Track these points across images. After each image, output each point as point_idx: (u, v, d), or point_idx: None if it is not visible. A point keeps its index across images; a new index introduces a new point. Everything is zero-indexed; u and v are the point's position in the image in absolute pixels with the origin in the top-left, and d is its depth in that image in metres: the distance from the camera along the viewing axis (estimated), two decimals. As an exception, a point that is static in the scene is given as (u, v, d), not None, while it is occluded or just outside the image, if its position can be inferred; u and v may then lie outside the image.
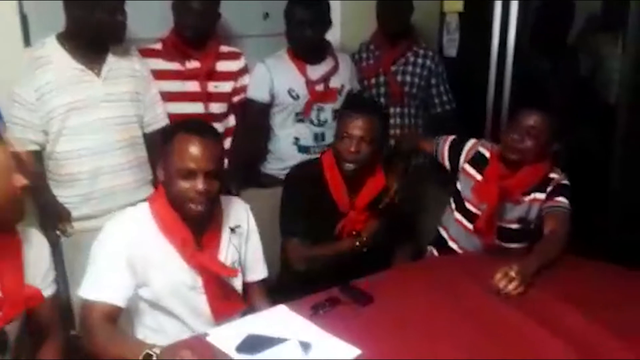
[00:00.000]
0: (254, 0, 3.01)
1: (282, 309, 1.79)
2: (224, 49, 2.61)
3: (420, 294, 1.91)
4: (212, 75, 2.54)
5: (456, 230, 2.38)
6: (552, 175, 2.27)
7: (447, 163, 2.44)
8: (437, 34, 3.29)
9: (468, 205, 2.34)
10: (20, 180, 1.57)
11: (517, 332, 1.68)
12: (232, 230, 1.91)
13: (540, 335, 1.65)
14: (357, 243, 2.21)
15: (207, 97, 2.52)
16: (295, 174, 2.38)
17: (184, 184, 1.73)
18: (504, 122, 3.04)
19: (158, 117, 2.40)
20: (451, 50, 3.23)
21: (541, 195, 2.25)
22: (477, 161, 2.36)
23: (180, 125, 1.85)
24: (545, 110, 2.23)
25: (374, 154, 2.24)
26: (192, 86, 2.50)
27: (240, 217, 1.97)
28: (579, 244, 2.18)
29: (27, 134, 2.14)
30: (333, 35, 2.99)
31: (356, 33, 3.11)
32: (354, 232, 2.26)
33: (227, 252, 1.89)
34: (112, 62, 2.23)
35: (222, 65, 2.57)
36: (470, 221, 2.31)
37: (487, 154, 2.35)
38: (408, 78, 2.96)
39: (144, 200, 2.10)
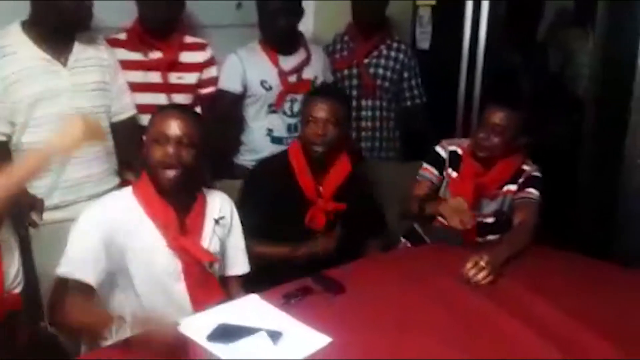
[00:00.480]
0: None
1: (253, 298, 1.78)
2: (189, 39, 2.56)
3: (392, 284, 1.92)
4: (175, 66, 2.49)
5: (432, 226, 2.38)
6: (525, 167, 2.32)
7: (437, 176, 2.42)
8: (410, 26, 3.29)
9: None
10: None
11: (489, 321, 1.69)
12: (217, 221, 1.92)
13: (512, 324, 1.66)
14: (316, 250, 2.18)
15: (169, 88, 2.47)
16: (259, 169, 2.38)
17: (157, 151, 1.77)
18: (475, 115, 3.08)
19: (126, 106, 2.35)
20: (424, 43, 3.25)
21: (513, 187, 2.30)
22: (452, 159, 2.38)
23: (162, 107, 1.93)
24: (510, 106, 2.25)
25: (339, 137, 2.24)
26: (155, 77, 2.46)
27: (225, 209, 1.97)
28: (550, 236, 2.23)
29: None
30: (306, 26, 2.97)
31: (329, 24, 3.09)
32: (317, 235, 2.24)
33: (210, 241, 1.89)
34: (79, 51, 2.17)
35: (186, 57, 2.52)
36: None
37: (460, 152, 2.37)
38: (381, 71, 2.95)
39: (110, 190, 2.08)
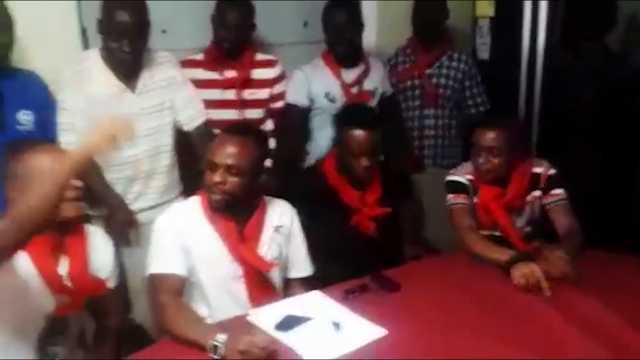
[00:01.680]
0: (294, 9, 3.17)
1: (316, 294, 1.95)
2: (260, 57, 2.76)
3: (446, 285, 2.05)
4: (248, 83, 2.70)
5: None
6: (537, 169, 2.35)
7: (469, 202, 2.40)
8: (471, 37, 3.39)
9: (481, 232, 2.34)
10: (73, 184, 1.67)
11: (539, 323, 1.79)
12: (276, 229, 2.08)
13: (563, 327, 1.74)
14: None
15: (243, 104, 2.68)
16: (295, 190, 2.43)
17: (208, 175, 1.94)
18: (535, 124, 3.14)
19: (194, 115, 2.53)
20: (484, 54, 3.32)
21: (537, 193, 2.35)
22: (472, 187, 2.37)
23: (225, 129, 2.08)
24: (498, 124, 2.27)
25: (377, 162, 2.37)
26: (230, 94, 2.67)
27: (285, 218, 2.13)
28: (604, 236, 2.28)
29: (77, 138, 2.26)
30: (369, 40, 3.15)
31: (392, 38, 3.24)
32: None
33: (268, 248, 2.05)
34: (146, 76, 2.38)
35: (258, 74, 2.73)
36: None
37: (465, 180, 2.37)
38: (442, 80, 3.08)
39: (172, 200, 2.29)
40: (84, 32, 2.66)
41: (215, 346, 1.61)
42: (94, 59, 2.33)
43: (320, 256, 2.23)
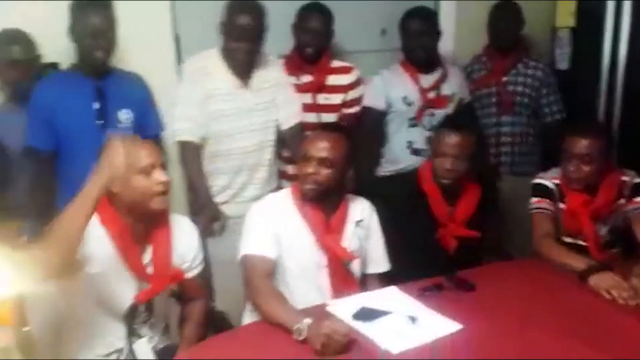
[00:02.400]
0: (372, 18, 3.26)
1: (392, 289, 2.01)
2: (336, 64, 2.87)
3: (521, 287, 2.07)
4: (323, 88, 2.81)
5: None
6: (624, 178, 2.33)
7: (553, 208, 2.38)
8: (549, 47, 3.37)
9: (564, 239, 2.36)
10: (161, 177, 1.83)
11: (612, 324, 1.80)
12: (357, 223, 2.17)
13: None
14: None
15: (318, 108, 2.80)
16: (387, 187, 2.53)
17: (301, 167, 2.07)
18: (616, 134, 3.10)
19: (291, 115, 2.69)
20: (563, 64, 3.30)
21: (622, 201, 2.33)
22: (558, 192, 2.36)
23: (319, 126, 2.30)
24: (591, 133, 2.25)
25: (467, 169, 2.33)
26: (306, 98, 2.79)
27: (365, 213, 2.22)
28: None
29: (191, 126, 2.50)
30: (447, 47, 3.20)
31: (469, 45, 3.28)
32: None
33: (350, 241, 2.14)
34: (259, 75, 2.58)
35: (333, 80, 2.83)
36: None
37: (552, 185, 2.36)
38: (519, 88, 3.09)
39: (272, 191, 2.41)
40: (177, 39, 2.84)
41: (300, 329, 1.69)
42: (214, 56, 2.54)
43: (395, 260, 2.27)
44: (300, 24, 2.76)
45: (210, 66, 2.52)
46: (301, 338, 1.69)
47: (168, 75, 2.77)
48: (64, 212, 1.60)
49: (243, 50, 2.46)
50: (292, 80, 2.79)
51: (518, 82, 3.10)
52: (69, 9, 2.32)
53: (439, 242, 2.36)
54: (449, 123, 2.45)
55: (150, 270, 1.90)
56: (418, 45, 2.84)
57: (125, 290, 1.88)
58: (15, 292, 1.52)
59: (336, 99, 2.84)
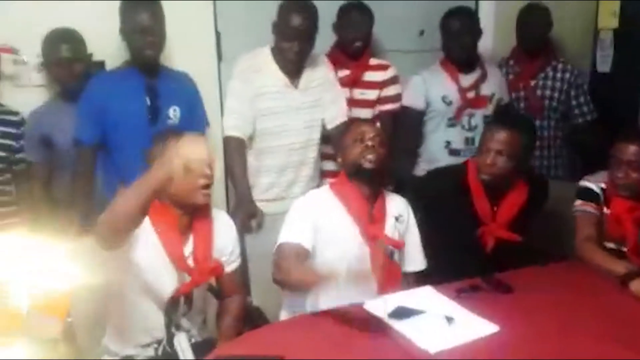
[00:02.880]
0: (411, 18, 3.27)
1: (428, 289, 2.01)
2: (374, 61, 2.89)
3: (558, 290, 2.06)
4: (359, 83, 2.84)
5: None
6: None
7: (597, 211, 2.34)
8: (591, 49, 3.33)
9: (607, 244, 2.32)
10: (206, 171, 1.85)
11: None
12: (396, 218, 2.20)
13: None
14: None
15: (353, 102, 2.83)
16: (433, 179, 2.54)
17: (357, 147, 2.11)
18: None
19: (337, 114, 2.72)
20: (604, 66, 3.27)
21: None
22: (604, 196, 2.33)
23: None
24: (638, 137, 2.21)
25: (511, 168, 2.29)
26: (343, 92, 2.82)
27: (402, 209, 2.25)
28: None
29: (239, 123, 2.56)
30: (486, 46, 3.19)
31: (508, 44, 3.25)
32: None
33: (391, 234, 2.17)
34: (307, 75, 2.63)
35: (369, 76, 2.86)
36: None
37: (598, 189, 2.33)
38: (548, 92, 3.08)
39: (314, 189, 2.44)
40: (218, 36, 2.88)
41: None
42: (265, 55, 2.59)
43: (432, 257, 2.28)
44: (343, 21, 2.80)
45: (261, 64, 2.58)
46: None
47: (210, 73, 2.83)
48: (123, 194, 1.66)
49: (295, 51, 2.49)
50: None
51: (547, 85, 3.08)
52: (120, 8, 2.38)
53: (478, 240, 2.34)
54: (498, 118, 2.47)
55: (191, 262, 1.94)
56: (459, 44, 2.85)
57: (167, 281, 1.92)
58: (70, 284, 1.56)
59: (371, 94, 2.86)
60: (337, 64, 2.82)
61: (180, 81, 2.53)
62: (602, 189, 2.34)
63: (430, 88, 2.89)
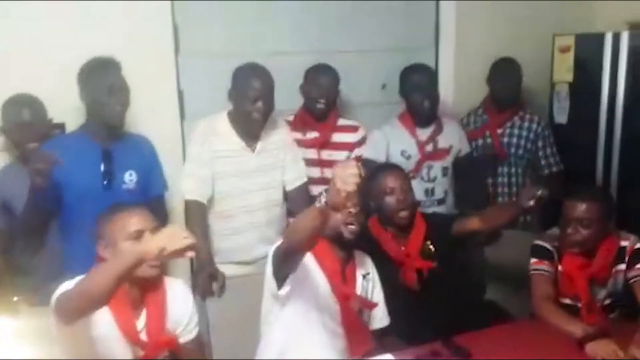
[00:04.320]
0: (374, 73, 3.34)
1: (388, 358, 2.02)
2: (342, 122, 2.94)
3: (518, 351, 2.07)
4: (327, 145, 2.88)
5: None
6: (624, 243, 2.34)
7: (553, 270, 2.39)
8: (548, 102, 3.42)
9: (563, 300, 2.37)
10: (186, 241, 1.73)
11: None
12: (364, 276, 2.24)
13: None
14: None
15: (322, 163, 2.85)
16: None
17: (339, 214, 2.09)
18: (614, 188, 3.13)
19: (297, 176, 2.74)
20: (561, 117, 3.35)
21: (622, 267, 2.33)
22: (557, 254, 2.38)
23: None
24: (592, 197, 2.28)
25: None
26: (311, 154, 2.86)
27: (368, 266, 2.29)
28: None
29: (199, 186, 2.56)
30: (446, 100, 3.27)
31: (468, 98, 3.35)
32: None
33: (360, 294, 2.21)
34: (265, 138, 2.64)
35: (339, 137, 2.90)
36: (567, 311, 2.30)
37: (551, 247, 2.38)
38: (514, 140, 3.15)
39: None
40: (181, 94, 2.90)
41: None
42: (223, 119, 2.61)
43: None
44: (310, 81, 2.85)
45: (219, 128, 2.60)
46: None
47: (172, 132, 2.85)
48: (91, 275, 1.67)
49: (260, 111, 2.51)
50: (299, 135, 2.85)
51: (514, 134, 3.16)
52: (80, 71, 2.38)
53: (403, 280, 2.41)
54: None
55: (144, 335, 1.91)
56: (422, 107, 2.92)
57: (121, 356, 1.88)
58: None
59: (340, 155, 2.89)
60: (305, 125, 2.86)
61: (137, 145, 2.52)
62: (554, 247, 2.39)
63: (391, 142, 2.95)
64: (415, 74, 2.97)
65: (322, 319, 2.13)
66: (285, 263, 1.99)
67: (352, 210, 2.11)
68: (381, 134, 2.97)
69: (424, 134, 2.97)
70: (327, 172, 2.82)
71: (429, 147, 2.96)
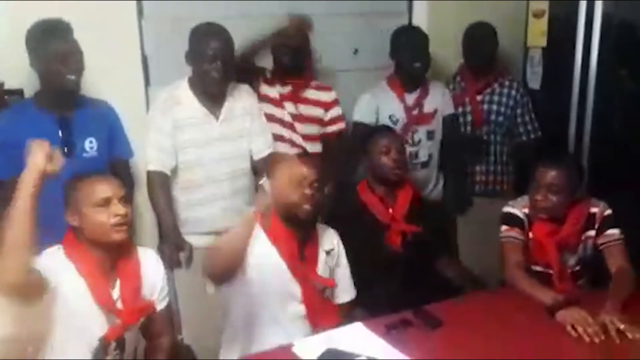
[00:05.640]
0: (345, 38, 3.26)
1: (358, 327, 2.00)
2: (315, 83, 2.90)
3: (488, 322, 2.07)
4: (302, 99, 2.83)
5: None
6: (593, 209, 2.34)
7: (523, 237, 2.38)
8: (522, 67, 3.39)
9: (534, 267, 2.36)
10: (118, 210, 1.85)
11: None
12: (327, 252, 2.20)
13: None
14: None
15: (300, 118, 2.81)
16: (335, 215, 2.52)
17: (295, 193, 2.04)
18: (586, 155, 3.12)
19: (264, 145, 2.67)
20: (535, 83, 3.32)
21: (592, 233, 2.34)
22: (527, 221, 2.37)
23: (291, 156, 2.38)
24: (562, 164, 2.27)
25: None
26: (287, 108, 2.80)
27: (332, 241, 2.25)
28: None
29: (162, 156, 2.49)
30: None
31: (441, 65, 3.30)
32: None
33: (323, 271, 2.17)
34: (229, 105, 2.56)
35: (314, 94, 2.87)
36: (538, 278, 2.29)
37: (522, 214, 2.37)
38: (494, 107, 3.13)
39: None
40: (145, 60, 2.80)
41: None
42: (184, 87, 2.51)
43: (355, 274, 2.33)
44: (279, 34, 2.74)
45: (180, 96, 2.50)
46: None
47: (137, 99, 2.76)
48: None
49: (218, 71, 2.42)
50: (274, 91, 2.79)
51: (493, 100, 3.13)
52: (27, 36, 2.26)
53: (388, 242, 2.47)
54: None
55: (119, 304, 1.89)
56: (413, 68, 2.90)
57: (96, 326, 1.87)
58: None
59: (316, 111, 2.86)
60: (280, 79, 2.80)
61: (98, 111, 2.43)
62: (525, 214, 2.37)
63: (380, 106, 2.94)
64: (408, 35, 2.96)
65: (283, 300, 2.09)
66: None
67: (307, 191, 2.05)
68: (370, 96, 2.96)
69: (410, 97, 2.97)
70: (305, 129, 2.83)
71: (415, 111, 2.96)
